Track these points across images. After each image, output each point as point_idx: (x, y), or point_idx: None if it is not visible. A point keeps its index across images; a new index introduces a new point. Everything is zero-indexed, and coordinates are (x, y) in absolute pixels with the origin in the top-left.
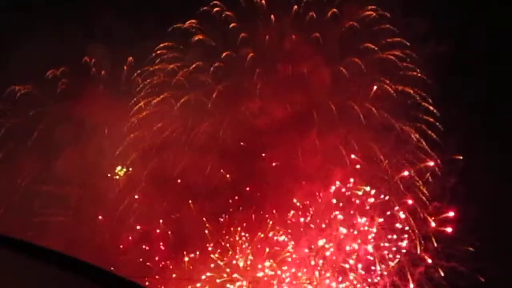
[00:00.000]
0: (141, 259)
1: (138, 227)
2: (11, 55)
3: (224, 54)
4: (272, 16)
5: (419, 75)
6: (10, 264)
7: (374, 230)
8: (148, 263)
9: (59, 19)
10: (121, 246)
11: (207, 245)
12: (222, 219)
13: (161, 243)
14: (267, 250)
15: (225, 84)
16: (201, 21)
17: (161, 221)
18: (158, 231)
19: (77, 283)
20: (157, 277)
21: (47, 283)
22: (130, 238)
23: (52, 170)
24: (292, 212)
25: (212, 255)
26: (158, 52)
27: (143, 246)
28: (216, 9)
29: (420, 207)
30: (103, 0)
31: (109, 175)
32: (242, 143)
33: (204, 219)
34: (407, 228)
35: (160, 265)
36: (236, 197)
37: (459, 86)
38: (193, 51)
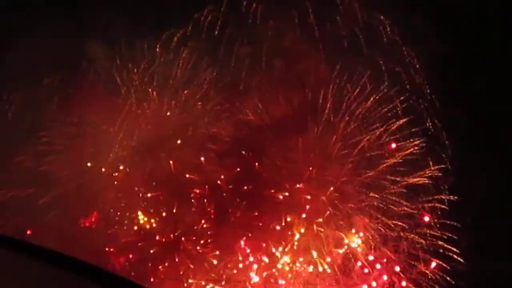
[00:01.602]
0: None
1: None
2: (8, 56)
3: (222, 55)
4: (271, 17)
5: (419, 76)
6: (10, 264)
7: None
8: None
9: (58, 19)
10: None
11: (204, 244)
12: (219, 219)
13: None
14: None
15: (223, 84)
16: (200, 23)
17: (157, 219)
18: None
19: (77, 283)
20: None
21: (47, 283)
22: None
23: (49, 172)
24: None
25: (209, 255)
26: (157, 53)
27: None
28: (214, 13)
29: (418, 207)
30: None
31: (105, 172)
32: (240, 142)
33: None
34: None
35: (156, 265)
36: (234, 197)
37: (459, 87)
38: (191, 52)
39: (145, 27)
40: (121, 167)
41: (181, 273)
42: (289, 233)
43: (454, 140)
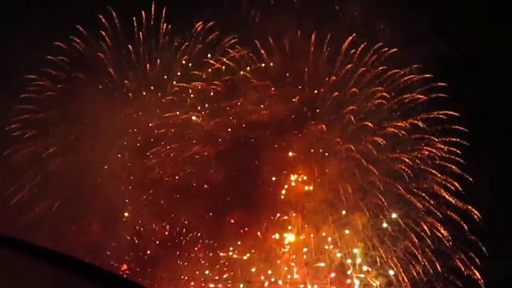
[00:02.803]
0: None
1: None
2: (8, 56)
3: (221, 55)
4: (271, 17)
5: (419, 75)
6: (10, 264)
7: None
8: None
9: (55, 17)
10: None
11: (203, 244)
12: (217, 218)
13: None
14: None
15: (222, 82)
16: (200, 23)
17: (156, 220)
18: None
19: (77, 283)
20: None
21: (47, 283)
22: (128, 238)
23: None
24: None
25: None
26: (157, 51)
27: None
28: (214, 13)
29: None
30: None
31: (104, 174)
32: (238, 141)
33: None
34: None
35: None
36: (232, 196)
37: (459, 87)
38: (190, 50)
39: (145, 28)
40: (120, 168)
41: (181, 274)
42: (288, 232)
43: (454, 141)
